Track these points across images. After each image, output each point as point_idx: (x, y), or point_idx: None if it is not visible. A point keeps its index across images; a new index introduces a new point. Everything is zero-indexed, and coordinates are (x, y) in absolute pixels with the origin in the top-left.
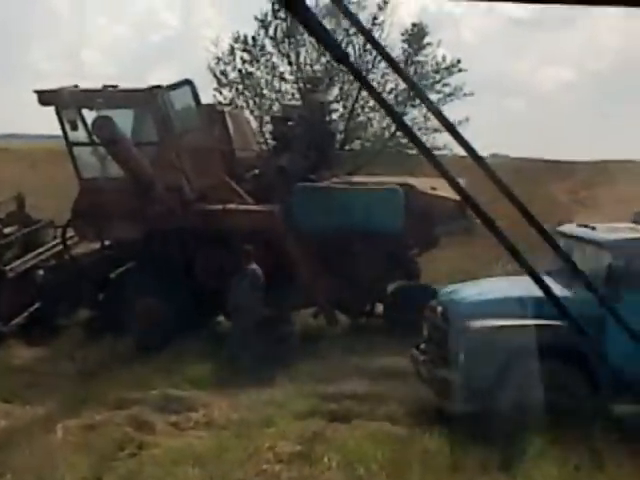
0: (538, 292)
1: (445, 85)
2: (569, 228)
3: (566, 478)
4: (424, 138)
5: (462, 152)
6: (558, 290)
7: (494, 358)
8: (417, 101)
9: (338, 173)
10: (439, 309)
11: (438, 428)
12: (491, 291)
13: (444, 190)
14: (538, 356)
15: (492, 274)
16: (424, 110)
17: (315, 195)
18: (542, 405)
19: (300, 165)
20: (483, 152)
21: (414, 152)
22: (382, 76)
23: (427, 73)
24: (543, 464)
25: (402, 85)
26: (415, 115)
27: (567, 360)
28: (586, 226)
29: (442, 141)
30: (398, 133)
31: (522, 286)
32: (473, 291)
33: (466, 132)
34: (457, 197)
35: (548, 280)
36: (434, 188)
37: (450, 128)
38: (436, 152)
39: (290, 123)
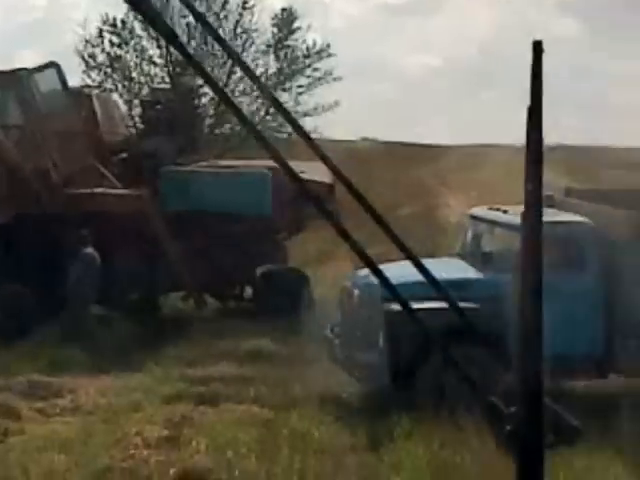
0: (451, 275)
1: (315, 70)
2: (481, 211)
3: (429, 456)
4: None
5: (333, 136)
6: (472, 273)
7: (412, 341)
8: (287, 85)
9: (207, 157)
10: (355, 292)
11: (308, 410)
12: (407, 274)
13: (313, 174)
14: (453, 339)
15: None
16: (294, 94)
17: (183, 179)
18: (451, 385)
19: (168, 149)
20: (353, 136)
21: (284, 136)
22: (253, 60)
23: (297, 58)
24: (410, 444)
25: (272, 69)
26: (286, 99)
27: (481, 342)
28: (498, 209)
29: (312, 125)
30: (268, 117)
31: (435, 269)
32: (389, 274)
33: (336, 116)
34: (326, 180)
35: (461, 263)
36: (303, 172)
37: (282, 110)
38: None
39: (159, 107)
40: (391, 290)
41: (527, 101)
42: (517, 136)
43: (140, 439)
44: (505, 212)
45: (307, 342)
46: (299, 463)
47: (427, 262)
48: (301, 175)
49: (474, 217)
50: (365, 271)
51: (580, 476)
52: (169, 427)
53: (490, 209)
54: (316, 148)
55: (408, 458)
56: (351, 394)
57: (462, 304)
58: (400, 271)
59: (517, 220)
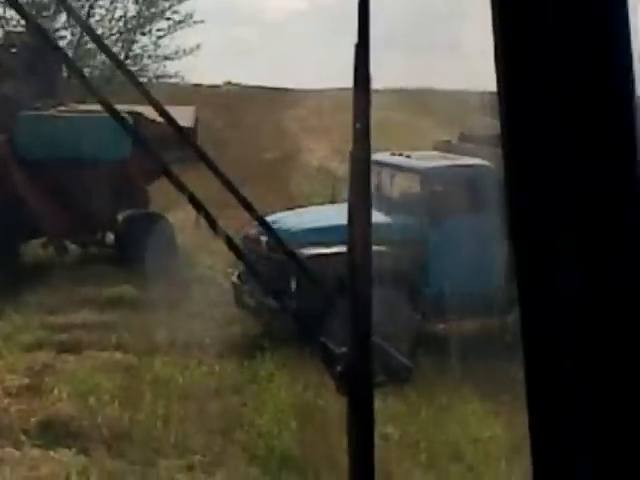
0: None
1: (175, 12)
2: (384, 157)
3: (293, 398)
4: (155, 66)
5: (195, 80)
6: (379, 217)
7: (325, 285)
8: (147, 28)
9: (66, 101)
10: (263, 239)
11: (172, 356)
12: (317, 220)
13: (175, 118)
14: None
15: (228, 202)
16: (154, 37)
17: (40, 123)
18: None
19: (25, 93)
20: (217, 80)
21: (144, 80)
22: (111, 2)
23: (157, 0)
24: (273, 387)
25: (132, 12)
26: (145, 43)
27: (393, 284)
28: (401, 154)
29: (174, 69)
30: (128, 61)
31: (344, 214)
32: (298, 220)
33: (199, 60)
34: (187, 125)
35: None
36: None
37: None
38: (167, 80)
39: (14, 50)
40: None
41: (387, 46)
42: (378, 81)
43: (0, 388)
44: (408, 157)
45: (170, 287)
46: (163, 409)
47: (334, 207)
48: (160, 119)
49: (378, 162)
50: (272, 218)
51: (440, 412)
52: (30, 375)
53: (393, 155)
54: (145, 93)
55: (271, 401)
56: (215, 338)
57: (374, 248)
58: (315, 216)
59: (421, 165)
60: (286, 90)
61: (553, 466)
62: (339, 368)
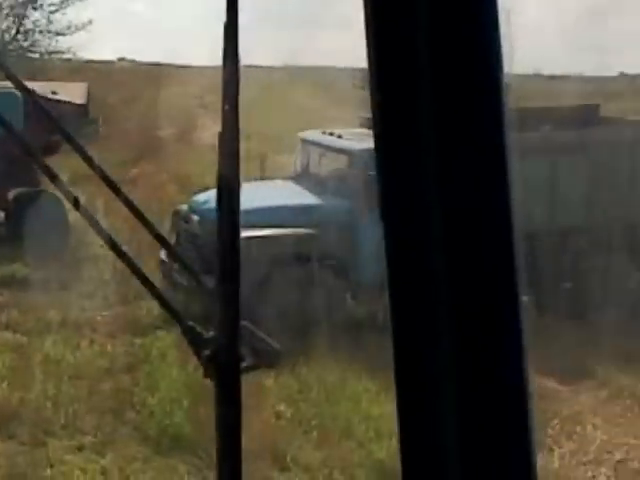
0: (292, 201)
1: None
2: (315, 136)
3: (184, 377)
4: (47, 41)
5: (87, 56)
6: (309, 198)
7: (259, 266)
8: (39, 3)
9: None
10: (195, 217)
11: (64, 335)
12: (254, 200)
13: (67, 94)
14: (298, 263)
15: (122, 178)
16: (46, 12)
17: None
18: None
19: None
20: (110, 56)
21: (36, 56)
22: None
23: None
24: (165, 366)
25: None
26: (37, 17)
27: (322, 265)
28: (332, 134)
29: (66, 44)
30: (19, 36)
31: (275, 194)
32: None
33: (92, 35)
34: (78, 101)
35: (294, 187)
36: (55, 92)
37: None
38: (60, 56)
39: None
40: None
41: (279, 24)
42: (275, 57)
43: None
44: (340, 137)
45: (62, 266)
46: (53, 389)
47: (265, 185)
48: (53, 95)
49: (307, 141)
50: (204, 196)
51: (332, 389)
52: None
53: (323, 133)
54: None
55: (163, 380)
56: (107, 317)
57: (304, 230)
58: (246, 196)
59: (353, 146)
60: (181, 67)
61: (420, 447)
62: (207, 352)
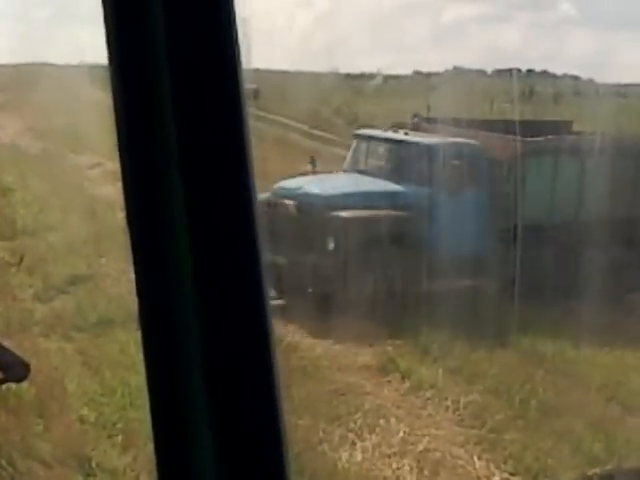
0: (374, 187)
1: None
2: (374, 132)
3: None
4: None
5: None
6: (390, 185)
7: (358, 244)
8: None
9: None
10: (289, 202)
11: None
12: (339, 186)
13: None
14: (389, 241)
15: None
16: None
17: None
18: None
19: None
20: None
21: None
22: None
23: None
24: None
25: None
26: None
27: (410, 245)
28: (396, 131)
29: None
30: None
31: (359, 182)
32: (323, 187)
33: None
34: None
35: (365, 179)
36: None
37: None
38: None
39: None
40: None
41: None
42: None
43: None
44: (407, 134)
45: None
46: None
47: (337, 176)
48: None
49: (370, 137)
50: (292, 183)
51: (138, 392)
52: None
53: (395, 131)
54: None
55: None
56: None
57: (393, 212)
58: (335, 183)
59: (425, 141)
60: None
61: (174, 449)
62: None
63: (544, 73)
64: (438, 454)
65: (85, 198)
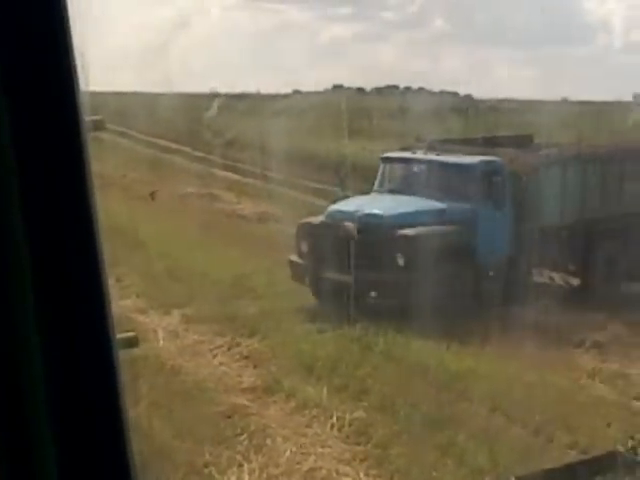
0: (423, 206)
1: None
2: (403, 154)
3: None
4: None
5: None
6: (434, 204)
7: (425, 259)
8: None
9: None
10: (348, 224)
11: None
12: (397, 206)
13: None
14: (448, 253)
15: None
16: None
17: None
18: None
19: None
20: None
21: None
22: None
23: None
24: None
25: None
26: None
27: (463, 254)
28: (429, 152)
29: None
30: None
31: (412, 202)
32: (383, 206)
33: None
34: None
35: (413, 199)
36: None
37: None
38: None
39: None
40: None
41: None
42: None
43: None
44: (438, 155)
45: None
46: None
47: (377, 198)
48: None
49: (401, 159)
50: (349, 206)
51: None
52: None
53: (427, 152)
54: None
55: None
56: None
57: (444, 227)
58: (392, 203)
59: (468, 161)
60: None
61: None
62: None
63: (421, 90)
64: (324, 472)
65: None
